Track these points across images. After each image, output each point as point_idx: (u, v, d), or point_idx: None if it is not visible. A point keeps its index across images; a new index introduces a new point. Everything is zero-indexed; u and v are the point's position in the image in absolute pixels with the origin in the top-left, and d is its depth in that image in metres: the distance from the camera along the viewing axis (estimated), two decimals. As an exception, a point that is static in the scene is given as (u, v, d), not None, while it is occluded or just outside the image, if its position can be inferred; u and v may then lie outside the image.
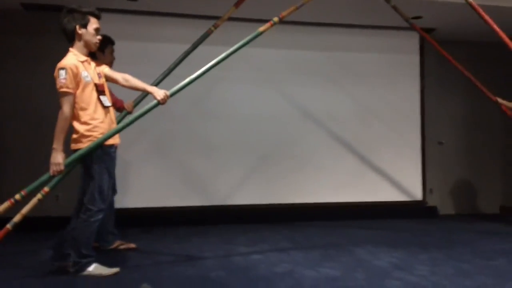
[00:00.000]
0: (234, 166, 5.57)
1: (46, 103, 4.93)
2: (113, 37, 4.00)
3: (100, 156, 3.06)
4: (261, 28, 3.56)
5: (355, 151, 5.94)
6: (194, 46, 4.17)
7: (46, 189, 3.11)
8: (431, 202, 6.28)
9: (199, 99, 5.42)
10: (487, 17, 3.97)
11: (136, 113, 3.26)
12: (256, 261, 3.54)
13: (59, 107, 2.96)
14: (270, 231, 4.93)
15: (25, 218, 3.09)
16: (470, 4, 3.94)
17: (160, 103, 3.16)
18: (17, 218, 3.06)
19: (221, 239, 4.48)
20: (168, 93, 3.19)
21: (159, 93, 3.15)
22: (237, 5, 4.18)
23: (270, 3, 4.94)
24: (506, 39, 4.00)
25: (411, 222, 5.60)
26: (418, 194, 6.15)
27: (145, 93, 3.64)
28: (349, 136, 5.93)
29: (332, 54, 5.95)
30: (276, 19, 3.60)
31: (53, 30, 5.03)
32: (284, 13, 3.64)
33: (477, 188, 6.62)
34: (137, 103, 3.93)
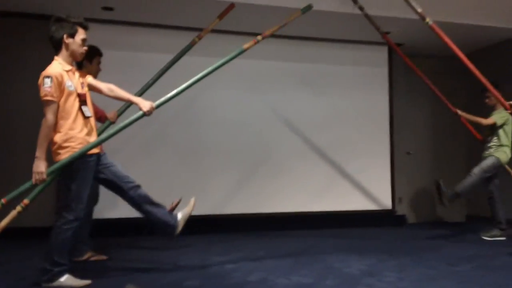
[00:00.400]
0: (207, 175, 5.61)
1: (18, 111, 4.89)
2: (98, 46, 4.00)
3: (80, 166, 3.05)
4: (245, 46, 3.72)
5: (326, 161, 6.07)
6: (178, 57, 4.27)
7: (25, 201, 3.11)
8: (400, 210, 6.45)
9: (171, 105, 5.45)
10: (446, 38, 4.19)
11: (120, 123, 3.28)
12: (230, 269, 3.58)
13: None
14: (244, 240, 5.00)
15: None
16: (430, 27, 4.15)
17: (145, 114, 3.19)
18: (-4, 231, 3.04)
19: (196, 248, 4.51)
20: (154, 104, 3.23)
21: (145, 104, 3.17)
22: (220, 17, 4.31)
23: (254, 16, 5.12)
24: (462, 57, 4.22)
25: (381, 230, 5.76)
26: (388, 203, 6.31)
27: (129, 103, 3.64)
28: (320, 146, 6.06)
29: (309, 65, 6.12)
30: (259, 37, 3.78)
31: (28, 37, 5.09)
32: (267, 32, 3.80)
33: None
34: (120, 113, 3.94)
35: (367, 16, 4.77)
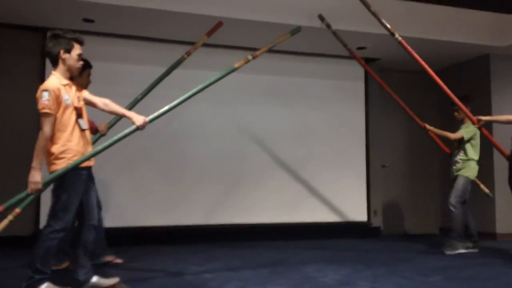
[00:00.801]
0: (186, 187, 5.64)
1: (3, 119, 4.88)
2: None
3: (73, 177, 3.08)
4: (236, 65, 3.79)
5: (304, 173, 6.15)
6: (167, 72, 4.32)
7: (17, 210, 3.12)
8: (375, 222, 6.56)
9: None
10: (414, 53, 4.38)
11: (114, 136, 3.31)
12: (207, 279, 3.61)
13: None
14: (222, 250, 5.03)
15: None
16: (400, 43, 4.32)
17: (138, 128, 3.25)
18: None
19: (173, 258, 4.51)
20: (147, 119, 3.29)
21: (138, 118, 3.23)
22: (209, 34, 4.38)
23: (241, 30, 5.21)
24: (430, 71, 4.45)
25: (357, 242, 5.85)
26: (363, 215, 6.42)
27: (120, 116, 3.68)
28: (298, 159, 6.14)
29: (287, 79, 6.23)
30: (250, 57, 3.86)
31: (13, 47, 5.06)
32: (257, 52, 3.90)
33: (419, 210, 6.97)
34: (111, 125, 3.97)
35: (334, 33, 4.89)
